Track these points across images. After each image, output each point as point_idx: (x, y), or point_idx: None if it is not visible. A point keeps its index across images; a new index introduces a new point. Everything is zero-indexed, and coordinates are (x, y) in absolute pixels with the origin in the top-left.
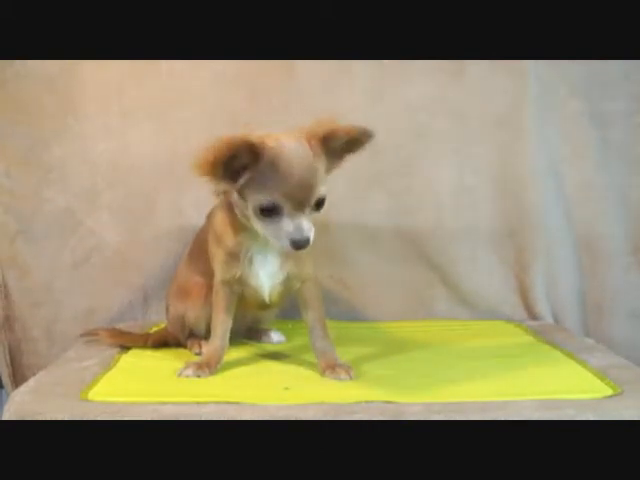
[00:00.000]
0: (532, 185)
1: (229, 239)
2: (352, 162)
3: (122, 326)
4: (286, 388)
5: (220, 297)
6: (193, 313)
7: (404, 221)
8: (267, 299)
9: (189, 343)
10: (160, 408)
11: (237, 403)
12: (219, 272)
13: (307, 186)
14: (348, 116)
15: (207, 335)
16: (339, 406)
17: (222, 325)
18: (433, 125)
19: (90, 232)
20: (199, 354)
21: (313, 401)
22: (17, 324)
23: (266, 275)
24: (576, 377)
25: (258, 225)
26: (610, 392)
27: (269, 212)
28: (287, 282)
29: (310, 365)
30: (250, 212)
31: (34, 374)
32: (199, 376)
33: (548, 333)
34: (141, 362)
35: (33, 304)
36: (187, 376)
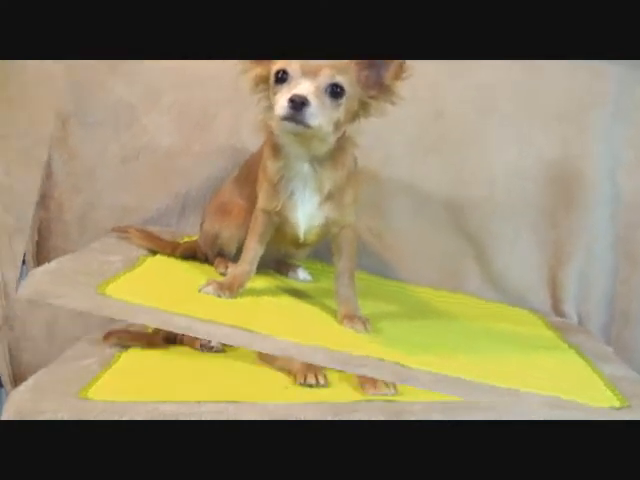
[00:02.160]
0: (586, 183)
1: (271, 164)
2: (416, 124)
3: (154, 230)
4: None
5: (258, 224)
6: (228, 232)
7: (454, 191)
8: (302, 238)
9: (216, 261)
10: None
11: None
12: (261, 200)
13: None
14: None
15: (236, 258)
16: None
17: (253, 251)
18: (502, 107)
19: (144, 130)
20: (224, 274)
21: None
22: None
23: (304, 214)
24: (586, 382)
25: (274, 98)
26: (617, 404)
27: (281, 79)
28: (325, 226)
29: (329, 311)
30: (271, 84)
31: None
32: (219, 296)
33: (569, 332)
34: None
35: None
36: (207, 293)
